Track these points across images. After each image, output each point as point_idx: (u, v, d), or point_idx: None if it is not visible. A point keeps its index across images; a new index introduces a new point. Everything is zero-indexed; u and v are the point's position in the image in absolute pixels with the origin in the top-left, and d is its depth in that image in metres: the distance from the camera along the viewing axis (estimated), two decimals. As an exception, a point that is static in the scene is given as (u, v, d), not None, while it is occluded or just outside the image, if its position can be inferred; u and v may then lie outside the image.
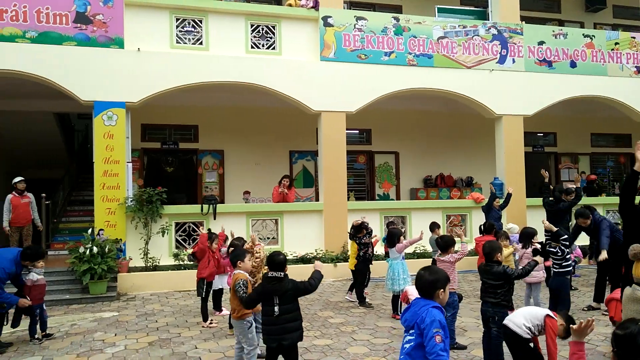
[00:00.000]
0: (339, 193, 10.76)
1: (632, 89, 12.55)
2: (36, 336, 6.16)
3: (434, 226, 8.81)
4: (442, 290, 3.02)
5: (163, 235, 9.50)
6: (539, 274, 6.58)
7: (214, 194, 12.36)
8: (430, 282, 3.02)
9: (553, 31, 12.35)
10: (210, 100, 12.41)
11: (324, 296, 8.44)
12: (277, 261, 4.24)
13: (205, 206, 10.05)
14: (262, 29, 10.65)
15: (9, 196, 9.28)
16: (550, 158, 16.15)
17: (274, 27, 10.68)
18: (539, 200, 12.01)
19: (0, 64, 9.04)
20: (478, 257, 8.94)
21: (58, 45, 9.30)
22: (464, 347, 5.49)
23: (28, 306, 6.03)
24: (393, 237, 7.11)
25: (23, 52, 9.13)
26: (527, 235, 6.76)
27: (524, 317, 4.15)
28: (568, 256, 6.37)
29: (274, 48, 10.68)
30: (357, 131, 14.25)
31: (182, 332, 6.43)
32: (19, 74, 9.22)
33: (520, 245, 6.92)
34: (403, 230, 10.96)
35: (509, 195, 10.58)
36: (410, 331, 3.00)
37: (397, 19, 11.22)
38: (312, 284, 4.21)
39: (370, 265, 7.88)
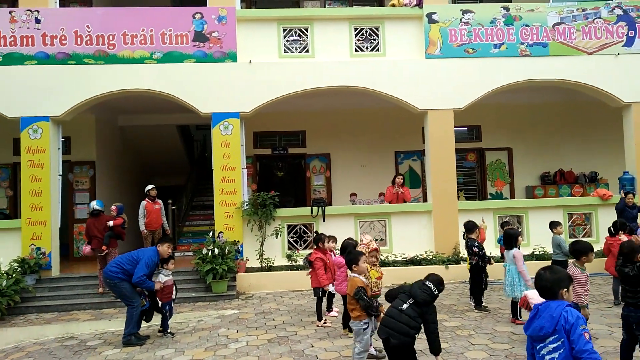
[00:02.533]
0: (448, 193, 10.47)
1: None
2: (169, 330, 6.76)
3: (554, 225, 8.22)
4: (565, 290, 2.85)
5: (277, 237, 9.94)
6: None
7: (322, 197, 12.66)
8: (553, 281, 2.88)
9: (692, 5, 10.96)
10: (316, 106, 12.73)
11: (438, 299, 8.23)
12: (439, 278, 4.45)
13: (315, 208, 10.33)
14: (366, 32, 10.71)
15: (144, 202, 10.27)
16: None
17: (377, 29, 10.69)
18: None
19: (132, 84, 10.06)
20: (607, 258, 8.22)
21: (180, 64, 10.13)
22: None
23: (159, 304, 6.64)
24: (510, 239, 6.75)
25: (150, 71, 10.08)
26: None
27: None
28: None
29: (377, 50, 10.69)
30: (466, 128, 13.74)
31: (298, 330, 6.67)
32: (147, 91, 10.18)
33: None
34: (520, 230, 10.36)
35: None
36: (549, 339, 2.80)
37: (507, 9, 10.66)
38: (435, 329, 4.28)
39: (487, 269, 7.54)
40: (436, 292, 4.15)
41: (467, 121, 12.80)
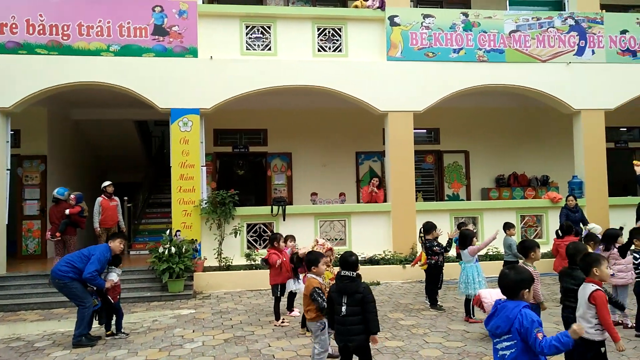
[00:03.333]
0: (406, 194, 10.64)
1: None
2: (122, 330, 6.58)
3: (507, 226, 8.50)
4: (527, 290, 2.99)
5: (235, 236, 9.84)
6: (627, 276, 6.18)
7: (282, 196, 12.62)
8: (516, 281, 3.01)
9: (637, 18, 11.52)
10: (279, 104, 12.69)
11: (393, 298, 8.38)
12: (349, 261, 4.29)
13: (275, 207, 10.29)
14: (329, 32, 10.75)
15: (99, 199, 9.96)
16: (635, 154, 15.03)
17: (340, 30, 10.75)
18: (623, 200, 11.31)
19: (88, 76, 9.73)
20: (555, 259, 8.57)
21: (138, 57, 9.87)
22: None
23: (109, 304, 6.45)
24: (465, 239, 6.93)
25: (107, 64, 9.78)
26: (610, 237, 6.37)
27: (584, 319, 3.86)
28: None
29: (340, 50, 10.74)
30: (425, 130, 14.01)
31: (255, 330, 6.62)
32: (103, 85, 9.88)
33: (602, 247, 6.52)
34: (475, 231, 10.63)
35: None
36: (505, 337, 2.98)
37: (466, 15, 10.93)
38: (374, 308, 4.19)
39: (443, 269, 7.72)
40: (355, 274, 4.17)
41: (427, 124, 13.05)
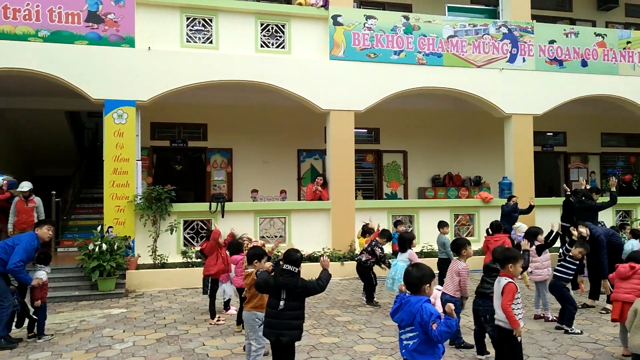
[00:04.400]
0: (346, 192, 10.77)
1: (644, 89, 12.42)
2: (45, 333, 6.22)
3: (441, 225, 8.79)
4: (428, 285, 3.32)
5: (171, 233, 9.56)
6: (543, 272, 6.56)
7: (222, 192, 12.42)
8: (418, 277, 3.34)
9: (564, 30, 12.26)
10: (220, 99, 12.47)
11: (331, 295, 8.45)
12: (293, 257, 4.31)
13: (214, 204, 10.10)
14: (272, 28, 10.67)
15: (16, 199, 9.20)
16: (560, 158, 16.03)
17: (283, 26, 10.70)
18: (548, 200, 12.00)
19: (13, 63, 9.15)
20: (485, 256, 8.93)
21: (70, 44, 9.38)
22: (470, 346, 5.48)
23: (35, 306, 6.08)
24: (404, 242, 7.05)
25: (35, 50, 9.23)
26: (532, 234, 6.75)
27: (500, 309, 4.27)
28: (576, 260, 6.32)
29: (283, 47, 10.69)
30: (366, 130, 14.23)
31: (189, 329, 6.48)
32: (31, 72, 9.32)
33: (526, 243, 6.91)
34: (410, 229, 10.93)
35: (531, 207, 10.51)
36: (408, 328, 3.31)
37: (407, 18, 11.19)
38: (320, 284, 4.23)
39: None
40: (297, 270, 4.20)
41: (367, 123, 13.26)
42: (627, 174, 15.86)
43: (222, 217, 10.09)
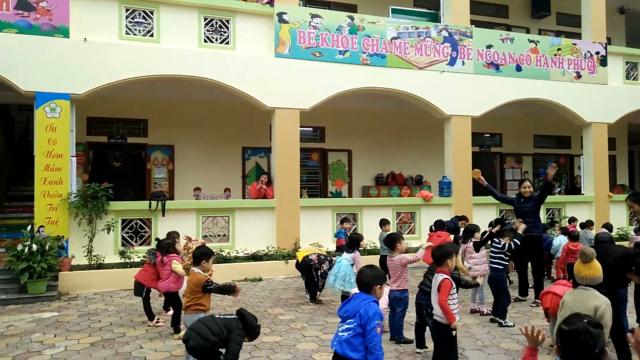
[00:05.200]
0: (291, 190, 10.75)
1: (572, 93, 13.17)
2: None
3: (383, 223, 8.98)
4: (379, 286, 3.39)
5: (108, 233, 9.18)
6: (480, 268, 6.82)
7: (163, 190, 12.05)
8: (370, 277, 3.40)
9: (501, 35, 12.79)
10: (161, 94, 12.12)
11: (274, 293, 8.42)
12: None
13: (154, 202, 9.79)
14: (216, 23, 10.47)
15: None
16: (496, 158, 16.75)
17: (228, 22, 10.52)
18: (484, 199, 12.46)
19: None
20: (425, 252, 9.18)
21: (-4, 32, 8.81)
22: (410, 341, 5.62)
23: None
24: (353, 242, 7.06)
25: (-43, 37, 8.61)
26: (469, 231, 7.01)
27: (436, 304, 4.45)
28: (504, 248, 6.60)
29: (227, 43, 10.52)
30: (311, 129, 14.28)
31: (126, 331, 6.25)
32: (-48, 60, 8.68)
33: (461, 241, 7.19)
34: (354, 227, 11.08)
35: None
36: (349, 320, 3.33)
37: (352, 18, 11.30)
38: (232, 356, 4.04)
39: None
40: (241, 330, 4.14)
41: (313, 122, 13.31)
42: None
43: (163, 215, 9.81)
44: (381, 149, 14.89)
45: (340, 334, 3.35)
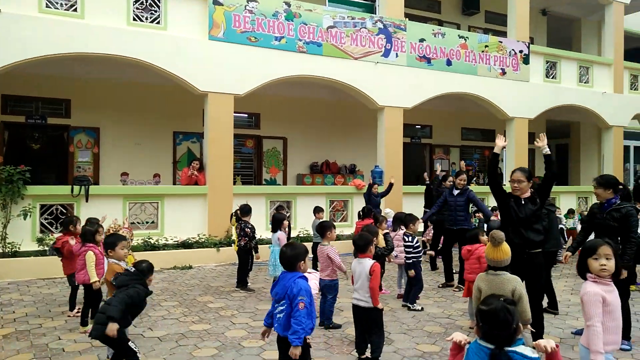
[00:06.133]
0: (224, 177, 10.57)
1: (498, 89, 13.85)
2: None
3: (317, 210, 9.06)
4: (302, 262, 3.45)
5: (25, 219, 8.62)
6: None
7: (86, 175, 11.44)
8: (291, 256, 3.46)
9: (433, 30, 13.18)
10: (86, 73, 11.49)
11: (204, 281, 8.27)
12: (138, 268, 4.18)
13: (76, 187, 9.28)
14: (146, 1, 10.00)
15: None
16: (426, 149, 17.34)
17: (159, 0, 10.09)
18: (414, 188, 12.91)
19: None
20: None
21: None
22: (339, 326, 5.73)
23: None
24: (276, 223, 7.15)
25: None
26: (398, 220, 7.23)
27: (362, 289, 4.54)
28: (417, 244, 6.87)
29: (158, 22, 10.09)
30: (246, 115, 14.08)
31: (44, 322, 5.91)
32: None
33: (390, 228, 7.39)
34: (288, 215, 11.08)
35: (391, 185, 11.06)
36: (282, 302, 3.42)
37: (289, 4, 11.19)
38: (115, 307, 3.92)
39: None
40: (133, 270, 4.08)
41: (248, 108, 13.14)
42: (476, 166, 17.74)
43: (87, 201, 9.33)
44: (316, 137, 14.97)
45: (277, 316, 3.46)
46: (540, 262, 5.04)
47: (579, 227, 10.42)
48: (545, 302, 6.04)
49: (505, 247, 4.10)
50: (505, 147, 5.90)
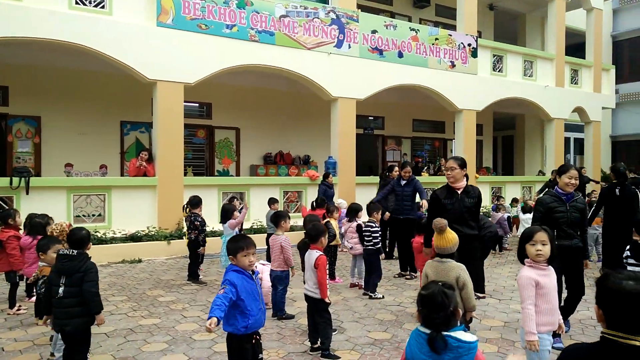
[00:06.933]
0: (175, 168, 10.32)
1: (447, 82, 14.17)
2: None
3: (271, 202, 9.01)
4: (240, 254, 3.42)
5: (-41, 213, 8.12)
6: (361, 247, 7.11)
7: (27, 166, 10.88)
8: (230, 249, 3.46)
9: (385, 22, 13.29)
10: (25, 59, 10.89)
11: (154, 275, 8.08)
12: (74, 237, 3.92)
13: (15, 179, 8.81)
14: (89, -16, 9.57)
15: None
16: (379, 140, 17.57)
17: (103, -17, 9.67)
18: (368, 179, 13.06)
19: None
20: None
21: None
22: (292, 317, 5.73)
23: None
24: (226, 213, 7.07)
25: None
26: (353, 211, 7.29)
27: (311, 280, 4.62)
28: (377, 234, 6.98)
29: (103, 7, 9.66)
30: (197, 104, 13.79)
31: (-19, 322, 5.61)
32: None
33: (346, 219, 7.44)
34: (241, 206, 10.96)
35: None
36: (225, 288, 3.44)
37: (240, -8, 11.00)
38: (95, 298, 3.86)
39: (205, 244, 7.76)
40: (76, 252, 3.92)
41: (199, 97, 12.86)
42: (426, 157, 18.20)
43: (27, 193, 8.88)
44: (270, 128, 14.85)
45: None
46: (476, 245, 5.29)
47: (521, 216, 10.87)
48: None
49: (450, 234, 4.14)
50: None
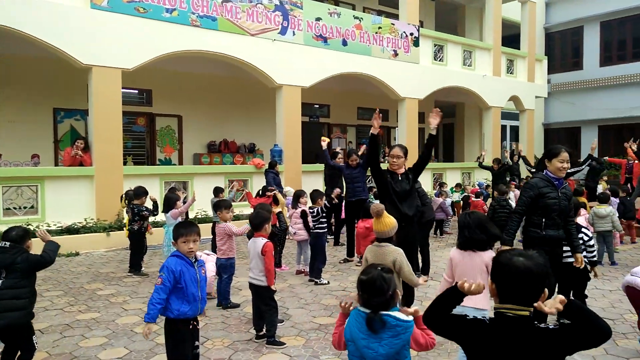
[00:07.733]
0: (113, 157, 9.94)
1: (390, 70, 14.38)
2: None
3: (217, 191, 8.87)
4: (179, 241, 3.44)
5: None
6: (305, 233, 7.15)
7: (-50, 156, 10.18)
8: (173, 235, 3.51)
9: (329, 9, 13.29)
10: (-57, 41, 10.08)
11: (93, 268, 7.79)
12: (9, 234, 3.87)
13: (-64, 170, 8.22)
14: (15, -39, 8.95)
15: None
16: (324, 128, 17.63)
17: (30, -39, 9.08)
18: (313, 166, 13.11)
19: None
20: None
21: None
22: (237, 306, 5.71)
23: None
24: (169, 202, 6.93)
25: None
26: (295, 197, 7.32)
27: (257, 269, 4.61)
28: (323, 219, 7.07)
29: (31, -14, 9.10)
30: (137, 91, 13.30)
31: None
32: None
33: (290, 206, 7.47)
34: (184, 195, 10.73)
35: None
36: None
37: (180, -25, 10.64)
38: (44, 257, 3.85)
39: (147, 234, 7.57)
40: (9, 245, 3.78)
41: (138, 84, 12.43)
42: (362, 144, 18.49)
43: (-50, 186, 8.31)
44: (214, 115, 14.56)
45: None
46: (415, 231, 5.42)
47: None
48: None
49: (387, 219, 4.13)
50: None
